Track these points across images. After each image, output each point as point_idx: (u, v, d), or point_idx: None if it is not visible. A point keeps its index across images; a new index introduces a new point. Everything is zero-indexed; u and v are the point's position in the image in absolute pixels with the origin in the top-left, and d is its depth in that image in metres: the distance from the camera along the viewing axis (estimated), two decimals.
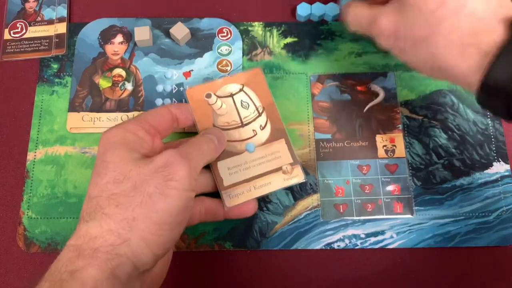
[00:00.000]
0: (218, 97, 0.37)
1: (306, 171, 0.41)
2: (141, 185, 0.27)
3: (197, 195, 0.33)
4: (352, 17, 0.35)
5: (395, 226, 0.39)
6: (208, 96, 0.36)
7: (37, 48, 0.45)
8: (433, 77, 0.32)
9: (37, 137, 0.42)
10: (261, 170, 0.36)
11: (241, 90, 0.38)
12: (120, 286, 0.26)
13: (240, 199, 0.35)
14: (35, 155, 0.41)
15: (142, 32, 0.44)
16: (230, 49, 0.45)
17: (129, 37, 0.45)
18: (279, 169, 0.36)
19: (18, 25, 0.46)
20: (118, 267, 0.26)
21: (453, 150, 0.42)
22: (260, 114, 0.38)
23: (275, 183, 0.36)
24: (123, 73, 0.44)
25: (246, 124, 0.37)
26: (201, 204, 0.35)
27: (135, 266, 0.27)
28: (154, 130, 0.33)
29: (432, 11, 0.28)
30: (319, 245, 0.39)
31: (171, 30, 0.44)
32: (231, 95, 0.38)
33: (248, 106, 0.37)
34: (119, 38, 0.45)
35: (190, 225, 0.35)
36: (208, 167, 0.36)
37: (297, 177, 0.36)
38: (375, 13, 0.32)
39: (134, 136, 0.31)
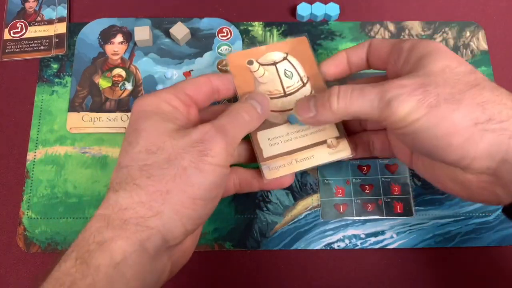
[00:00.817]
0: (261, 64, 0.35)
1: (305, 172, 0.41)
2: (175, 158, 0.27)
3: (231, 165, 0.32)
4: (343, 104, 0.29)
5: (395, 226, 0.39)
6: (250, 63, 0.34)
7: (37, 48, 0.45)
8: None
9: (37, 137, 0.42)
10: (303, 143, 0.34)
11: (285, 58, 0.36)
12: (148, 259, 0.25)
13: (280, 172, 0.33)
14: (35, 155, 0.41)
15: (142, 32, 0.44)
16: (230, 49, 0.45)
17: (129, 37, 0.45)
18: (323, 142, 0.34)
19: (18, 25, 0.46)
20: (148, 239, 0.25)
21: None
22: (304, 84, 0.35)
23: (319, 157, 0.33)
24: (123, 73, 0.44)
25: (289, 94, 0.35)
26: (235, 175, 0.34)
27: (165, 239, 0.26)
28: (190, 100, 0.31)
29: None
30: (319, 245, 0.39)
31: (171, 30, 0.44)
32: (274, 63, 0.35)
33: (292, 75, 0.35)
34: (119, 38, 0.45)
35: (225, 196, 0.34)
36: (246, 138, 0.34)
37: (344, 151, 0.34)
38: (383, 91, 0.27)
39: (168, 106, 0.29)
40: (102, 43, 0.45)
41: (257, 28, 0.46)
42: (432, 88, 0.26)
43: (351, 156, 0.34)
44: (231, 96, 0.34)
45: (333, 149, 0.34)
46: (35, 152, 0.41)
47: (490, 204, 0.29)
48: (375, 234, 0.39)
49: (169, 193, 0.26)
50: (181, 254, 0.29)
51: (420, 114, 0.26)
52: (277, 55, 0.36)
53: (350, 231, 0.39)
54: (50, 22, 0.46)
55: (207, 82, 0.32)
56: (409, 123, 0.26)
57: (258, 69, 0.34)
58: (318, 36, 0.45)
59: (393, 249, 0.39)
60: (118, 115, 0.42)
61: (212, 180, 0.27)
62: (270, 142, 0.34)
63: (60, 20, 0.46)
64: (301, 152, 0.34)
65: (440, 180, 0.30)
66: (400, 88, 0.27)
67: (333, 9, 0.45)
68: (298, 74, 0.35)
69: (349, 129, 0.35)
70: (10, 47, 0.45)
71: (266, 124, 0.34)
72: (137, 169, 0.27)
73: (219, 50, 0.45)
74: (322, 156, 0.33)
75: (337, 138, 0.34)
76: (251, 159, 0.35)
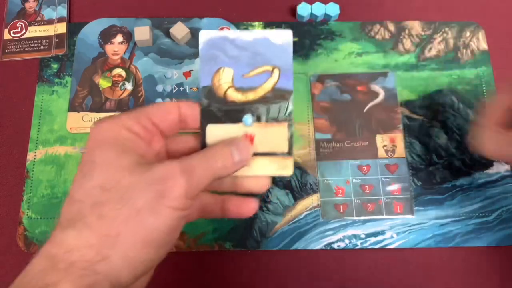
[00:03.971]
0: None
1: (305, 172, 0.41)
2: (130, 197, 0.24)
3: None
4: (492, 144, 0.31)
5: (395, 226, 0.39)
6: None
7: (37, 48, 0.45)
8: None
9: (37, 137, 0.42)
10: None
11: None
12: None
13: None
14: (35, 155, 0.41)
15: (142, 32, 0.44)
16: None
17: (129, 37, 0.45)
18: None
19: (18, 25, 0.46)
20: (94, 285, 0.24)
21: (453, 150, 0.42)
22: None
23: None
24: (123, 73, 0.44)
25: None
26: (198, 201, 0.32)
27: (113, 285, 0.24)
28: (154, 128, 0.28)
29: None
30: (319, 245, 0.39)
31: (171, 30, 0.44)
32: None
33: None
34: (119, 38, 0.45)
35: (187, 222, 0.33)
36: None
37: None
38: None
39: (129, 133, 0.27)
40: (102, 43, 0.45)
41: (257, 28, 0.46)
42: None
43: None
44: (198, 128, 0.31)
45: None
46: (35, 152, 0.41)
47: None
48: (375, 234, 0.39)
49: (119, 236, 0.24)
50: None
51: None
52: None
53: (350, 231, 0.39)
54: (50, 22, 0.46)
55: (175, 110, 0.29)
56: None
57: None
58: (318, 36, 0.45)
59: (393, 249, 0.39)
60: None
61: (168, 224, 0.25)
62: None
63: (60, 20, 0.46)
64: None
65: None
66: None
67: (333, 9, 0.45)
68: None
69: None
70: (10, 47, 0.45)
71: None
72: (89, 207, 0.25)
73: None
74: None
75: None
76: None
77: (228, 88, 0.31)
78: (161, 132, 0.29)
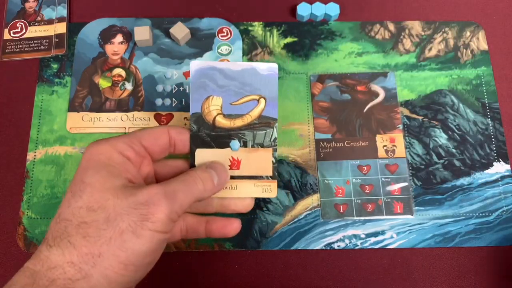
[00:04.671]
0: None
1: (305, 172, 0.41)
2: (114, 219, 0.26)
3: None
4: None
5: (395, 226, 0.39)
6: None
7: (37, 48, 0.45)
8: None
9: (37, 137, 0.42)
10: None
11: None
12: None
13: None
14: (35, 155, 0.41)
15: (142, 32, 0.44)
16: (230, 49, 0.45)
17: (129, 37, 0.45)
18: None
19: (18, 25, 0.46)
20: None
21: (453, 150, 0.42)
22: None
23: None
24: (123, 73, 0.44)
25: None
26: (182, 222, 0.33)
27: None
28: (145, 152, 0.30)
29: None
30: (319, 245, 0.39)
31: (171, 30, 0.44)
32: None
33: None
34: (119, 38, 0.45)
35: (171, 241, 0.33)
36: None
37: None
38: None
39: (120, 156, 0.28)
40: (102, 43, 0.45)
41: (257, 28, 0.46)
42: None
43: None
44: (187, 153, 0.32)
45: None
46: (35, 152, 0.41)
47: None
48: (375, 234, 0.39)
49: (101, 256, 0.25)
50: None
51: None
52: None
53: (350, 231, 0.39)
54: (50, 22, 0.46)
55: (165, 135, 0.31)
56: None
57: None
58: (318, 36, 0.45)
59: (393, 249, 0.39)
60: (118, 115, 0.42)
61: (148, 246, 0.26)
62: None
63: (60, 20, 0.46)
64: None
65: None
66: None
67: (333, 9, 0.45)
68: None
69: None
70: (10, 47, 0.45)
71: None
72: (75, 226, 0.26)
73: (219, 50, 0.45)
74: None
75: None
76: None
77: (217, 115, 0.32)
78: (151, 155, 0.31)
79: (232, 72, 0.32)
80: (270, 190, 0.33)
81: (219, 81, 0.32)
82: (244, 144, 0.33)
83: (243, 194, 0.33)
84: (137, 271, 0.27)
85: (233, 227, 0.33)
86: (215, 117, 0.32)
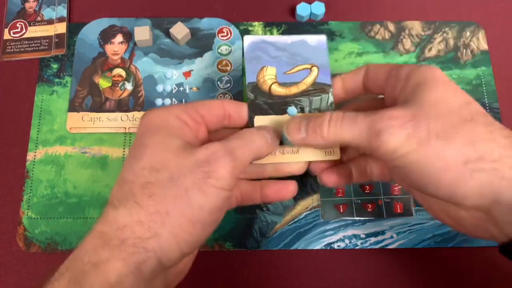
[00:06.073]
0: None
1: (305, 171, 0.41)
2: (178, 178, 0.26)
3: None
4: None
5: (395, 226, 0.39)
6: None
7: (37, 48, 0.45)
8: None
9: (37, 137, 0.42)
10: None
11: None
12: (143, 281, 0.25)
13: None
14: (35, 155, 0.41)
15: (142, 32, 0.44)
16: (230, 49, 0.45)
17: (129, 37, 0.45)
18: None
19: (18, 25, 0.46)
20: (145, 262, 0.25)
21: None
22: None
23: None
24: (123, 73, 0.44)
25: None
26: (237, 188, 0.33)
27: (161, 262, 0.26)
28: (200, 119, 0.30)
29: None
30: (319, 245, 0.39)
31: (171, 30, 0.44)
32: None
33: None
34: (119, 38, 0.45)
35: (228, 209, 0.32)
36: None
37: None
38: (374, 121, 0.27)
39: (177, 120, 0.28)
40: (102, 43, 0.45)
41: (257, 28, 0.46)
42: (424, 121, 0.26)
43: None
44: (243, 125, 0.33)
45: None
46: (35, 152, 0.41)
47: (485, 239, 0.28)
48: (375, 234, 0.39)
49: (168, 214, 0.25)
50: (175, 274, 0.29)
51: (410, 148, 0.25)
52: None
53: (350, 231, 0.39)
54: (50, 22, 0.46)
55: (220, 106, 0.31)
56: (398, 157, 0.26)
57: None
58: None
59: (393, 249, 0.39)
60: (118, 115, 0.42)
61: (214, 203, 0.26)
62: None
63: (60, 20, 0.46)
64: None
65: (435, 213, 0.30)
66: (391, 120, 0.26)
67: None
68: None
69: (346, 153, 0.34)
70: (10, 47, 0.45)
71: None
72: (139, 186, 0.26)
73: (219, 50, 0.45)
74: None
75: None
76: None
77: (272, 83, 0.33)
78: (206, 123, 0.31)
79: (283, 45, 0.34)
80: (333, 152, 0.33)
81: (271, 53, 0.34)
82: (301, 110, 0.33)
83: (306, 158, 0.33)
84: (204, 229, 0.27)
85: (290, 189, 0.33)
86: (270, 86, 0.33)
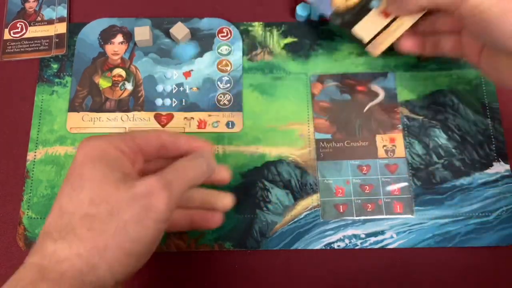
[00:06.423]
0: None
1: (305, 172, 0.41)
2: (117, 212, 0.26)
3: None
4: None
5: (395, 226, 0.39)
6: None
7: (37, 48, 0.45)
8: None
9: (37, 137, 0.42)
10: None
11: None
12: None
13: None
14: (35, 155, 0.41)
15: (142, 32, 0.44)
16: (230, 49, 0.45)
17: (129, 37, 0.45)
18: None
19: (18, 25, 0.46)
20: None
21: (453, 150, 0.42)
22: None
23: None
24: (123, 73, 0.44)
25: None
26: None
27: None
28: (138, 149, 0.30)
29: None
30: (319, 245, 0.39)
31: (171, 30, 0.44)
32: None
33: None
34: (119, 38, 0.45)
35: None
36: None
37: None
38: None
39: (116, 151, 0.29)
40: (102, 43, 0.45)
41: (257, 28, 0.46)
42: None
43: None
44: (178, 155, 0.32)
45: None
46: (35, 152, 0.41)
47: None
48: (375, 234, 0.39)
49: (106, 248, 0.26)
50: None
51: (490, 2, 0.29)
52: None
53: (350, 231, 0.39)
54: (50, 22, 0.46)
55: (157, 137, 0.32)
56: (478, 12, 0.30)
57: None
58: (318, 36, 0.45)
59: (393, 249, 0.39)
60: (118, 115, 0.42)
61: (151, 235, 0.27)
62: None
63: (60, 20, 0.46)
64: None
65: (505, 78, 0.33)
66: None
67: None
68: None
69: (422, 27, 0.39)
70: (10, 47, 0.45)
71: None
72: (79, 219, 0.26)
73: (219, 50, 0.45)
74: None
75: None
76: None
77: None
78: (143, 154, 0.31)
79: None
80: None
81: None
82: None
83: (411, 22, 0.38)
84: (138, 261, 0.28)
85: (215, 219, 0.34)
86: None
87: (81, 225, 0.26)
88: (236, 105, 0.43)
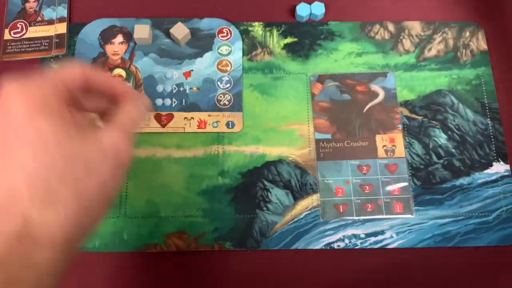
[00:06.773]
0: None
1: (305, 171, 0.41)
2: (94, 169, 0.24)
3: None
4: None
5: (395, 226, 0.39)
6: None
7: (37, 48, 0.45)
8: None
9: None
10: None
11: None
12: None
13: None
14: None
15: (142, 30, 0.44)
16: (230, 49, 0.45)
17: (129, 37, 0.45)
18: None
19: (18, 25, 0.46)
20: None
21: (453, 150, 0.42)
22: None
23: None
24: (123, 73, 0.44)
25: None
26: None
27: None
28: (67, 90, 0.26)
29: None
30: (319, 245, 0.39)
31: (171, 30, 0.44)
32: None
33: None
34: (119, 38, 0.45)
35: None
36: None
37: None
38: None
39: (57, 98, 0.25)
40: (102, 43, 0.45)
41: (257, 28, 0.46)
42: None
43: None
44: (98, 92, 0.29)
45: None
46: None
47: None
48: (375, 234, 0.39)
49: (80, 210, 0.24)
50: None
51: None
52: None
53: (350, 231, 0.39)
54: (50, 22, 0.46)
55: (81, 72, 0.28)
56: None
57: None
58: (318, 36, 0.45)
59: (393, 249, 0.39)
60: None
61: (117, 189, 0.27)
62: None
63: (60, 20, 0.46)
64: None
65: None
66: None
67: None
68: None
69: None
70: (10, 47, 0.45)
71: None
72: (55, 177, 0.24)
73: (219, 50, 0.45)
74: None
75: None
76: None
77: None
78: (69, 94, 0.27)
79: None
80: None
81: None
82: None
83: None
84: (93, 220, 0.26)
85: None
86: None
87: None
88: (236, 105, 0.43)
